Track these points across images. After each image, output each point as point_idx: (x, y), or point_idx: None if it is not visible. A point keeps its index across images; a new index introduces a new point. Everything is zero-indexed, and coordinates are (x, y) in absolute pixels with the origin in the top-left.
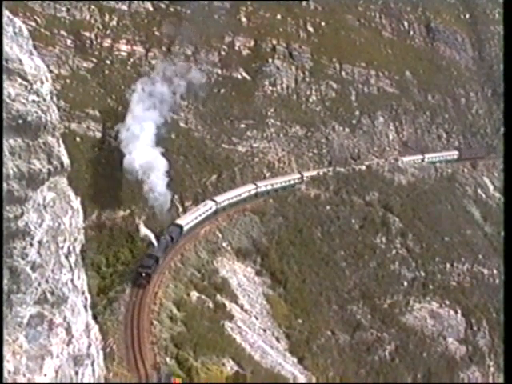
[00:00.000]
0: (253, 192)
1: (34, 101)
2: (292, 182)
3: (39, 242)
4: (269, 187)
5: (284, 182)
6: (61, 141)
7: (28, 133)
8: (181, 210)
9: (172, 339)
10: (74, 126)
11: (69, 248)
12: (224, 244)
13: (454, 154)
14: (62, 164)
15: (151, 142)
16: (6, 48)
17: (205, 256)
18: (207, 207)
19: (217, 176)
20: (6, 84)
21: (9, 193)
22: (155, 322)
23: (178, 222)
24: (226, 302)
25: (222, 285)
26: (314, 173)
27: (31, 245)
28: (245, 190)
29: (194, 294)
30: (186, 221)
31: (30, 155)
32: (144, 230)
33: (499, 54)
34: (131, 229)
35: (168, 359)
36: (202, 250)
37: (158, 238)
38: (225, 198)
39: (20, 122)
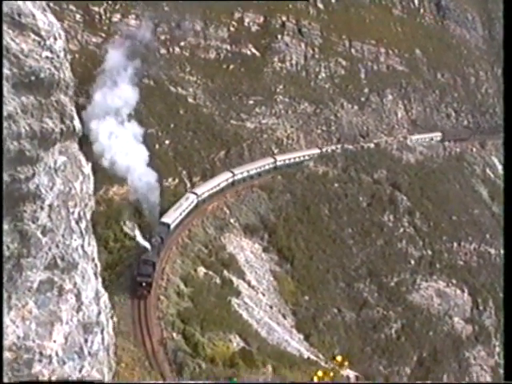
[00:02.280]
0: (230, 180)
1: (47, 57)
2: (267, 168)
3: (50, 206)
4: (245, 174)
5: (259, 168)
6: (73, 102)
7: (41, 90)
8: (189, 185)
9: (179, 315)
10: (82, 100)
11: (79, 214)
12: (231, 220)
13: (438, 135)
14: (74, 127)
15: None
16: (18, 2)
17: (212, 232)
18: (189, 201)
19: (225, 152)
20: (18, 39)
21: (20, 153)
22: (162, 298)
23: (165, 220)
24: (233, 278)
25: (229, 261)
26: (286, 156)
27: (42, 208)
28: (222, 180)
29: (202, 270)
30: (172, 218)
31: (42, 114)
32: (139, 239)
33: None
34: (139, 204)
35: (175, 334)
36: (210, 225)
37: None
38: (204, 190)
39: (33, 78)
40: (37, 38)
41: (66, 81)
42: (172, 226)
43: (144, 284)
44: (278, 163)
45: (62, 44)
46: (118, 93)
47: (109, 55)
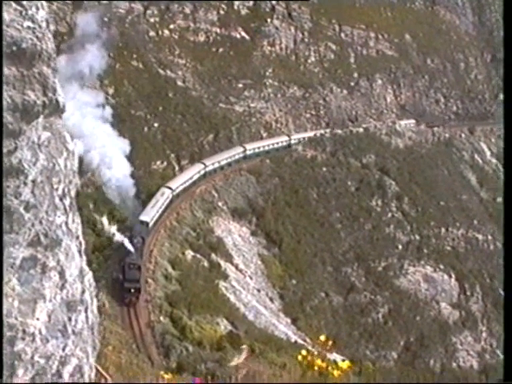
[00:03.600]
0: (202, 172)
1: (29, 27)
2: (237, 157)
3: (33, 182)
4: (216, 165)
5: (229, 158)
6: (57, 76)
7: (23, 61)
8: (177, 168)
9: (166, 298)
10: None
11: (63, 190)
12: (220, 203)
13: (411, 122)
14: (57, 102)
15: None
16: None
17: (200, 215)
18: (165, 196)
19: (214, 135)
20: None
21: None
22: (150, 281)
23: (143, 218)
24: (221, 262)
25: (217, 244)
26: (256, 145)
27: (25, 184)
28: (194, 172)
29: (189, 253)
30: (150, 216)
31: (24, 85)
32: (125, 242)
33: (499, 19)
34: None
35: (162, 317)
36: (198, 209)
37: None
38: (178, 184)
39: (14, 49)
40: (18, 8)
41: (48, 52)
42: (151, 224)
43: (133, 290)
44: (248, 152)
45: (44, 14)
46: (84, 57)
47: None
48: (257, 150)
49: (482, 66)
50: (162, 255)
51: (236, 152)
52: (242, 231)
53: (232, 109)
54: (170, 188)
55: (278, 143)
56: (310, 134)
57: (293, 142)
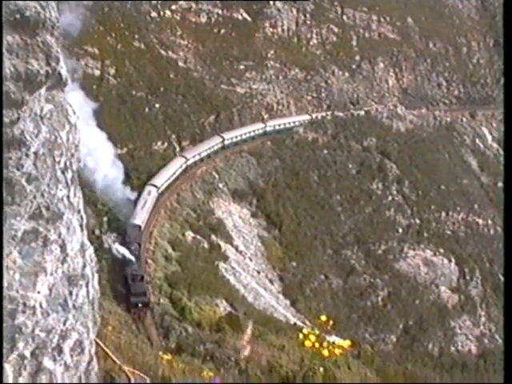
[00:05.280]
0: (184, 166)
1: None
2: (214, 149)
3: (35, 154)
4: (197, 158)
5: (209, 149)
6: (59, 44)
7: (26, 30)
8: (178, 149)
9: (166, 278)
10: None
11: (65, 163)
12: (220, 185)
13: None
14: (60, 74)
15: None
16: None
17: (201, 196)
18: (152, 196)
19: (215, 116)
20: None
21: (5, 95)
22: (150, 261)
23: (136, 222)
24: (221, 243)
25: (217, 226)
26: (233, 134)
27: (27, 155)
28: (177, 167)
29: (190, 234)
30: (142, 219)
31: (27, 54)
32: (120, 249)
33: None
34: (128, 167)
35: (162, 298)
36: (198, 190)
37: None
38: (163, 181)
39: (18, 16)
40: None
41: (52, 21)
42: (143, 227)
43: (140, 305)
44: (226, 142)
45: None
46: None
47: None
48: (234, 140)
49: (484, 50)
50: (162, 236)
51: (215, 142)
52: (243, 213)
53: (233, 90)
54: (155, 186)
55: (254, 131)
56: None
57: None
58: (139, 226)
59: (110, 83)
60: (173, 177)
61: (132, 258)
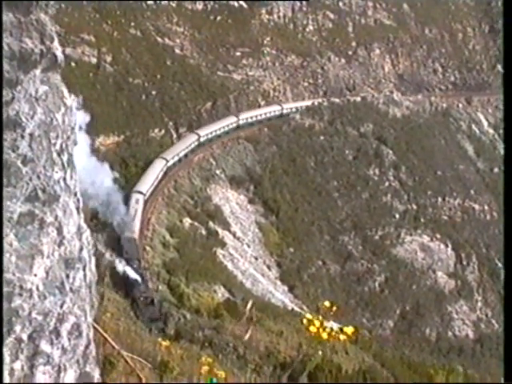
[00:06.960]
0: (165, 169)
1: None
2: (197, 143)
3: (30, 135)
4: (176, 158)
5: (188, 148)
6: (53, 23)
7: (19, 7)
8: (175, 136)
9: (164, 265)
10: (68, 50)
11: (61, 145)
12: (217, 171)
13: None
14: (55, 55)
15: None
16: None
17: (198, 183)
18: (140, 203)
19: (212, 103)
20: None
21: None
22: (148, 248)
23: (132, 236)
24: (219, 230)
25: (214, 212)
26: (209, 130)
27: (22, 137)
28: (158, 170)
29: (187, 221)
30: (136, 230)
31: (21, 32)
32: (131, 274)
33: None
34: (125, 154)
35: (160, 285)
36: (196, 176)
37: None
38: (147, 187)
39: None
40: None
41: None
42: (137, 240)
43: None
44: (202, 139)
45: None
46: None
47: None
48: (209, 136)
49: (479, 36)
50: (159, 223)
51: (192, 140)
52: (240, 199)
53: (230, 77)
54: (141, 193)
55: (227, 126)
56: (308, 102)
57: None
58: (134, 239)
59: (107, 71)
60: (156, 181)
61: (137, 277)
